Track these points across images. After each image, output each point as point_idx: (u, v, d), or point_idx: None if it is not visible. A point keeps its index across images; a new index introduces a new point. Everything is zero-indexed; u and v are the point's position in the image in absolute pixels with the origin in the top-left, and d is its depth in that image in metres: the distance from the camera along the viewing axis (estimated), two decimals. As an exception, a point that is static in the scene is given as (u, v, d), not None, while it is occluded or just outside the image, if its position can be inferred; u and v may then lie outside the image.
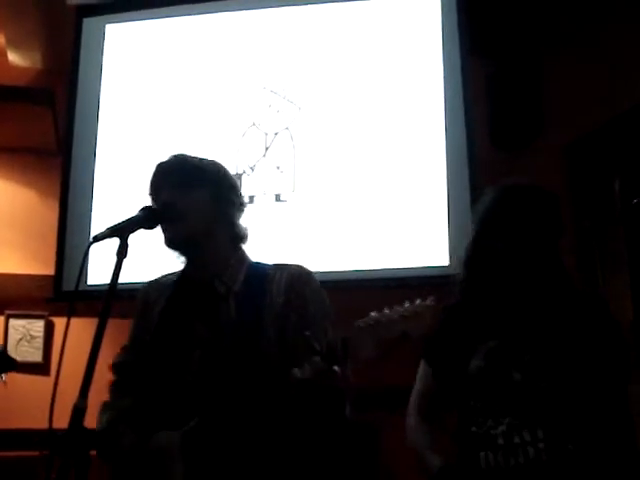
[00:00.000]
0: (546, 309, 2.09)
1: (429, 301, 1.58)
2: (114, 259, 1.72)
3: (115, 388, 2.04)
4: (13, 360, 3.11)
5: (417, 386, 2.27)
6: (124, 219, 1.80)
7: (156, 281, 2.08)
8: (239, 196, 2.04)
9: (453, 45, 3.98)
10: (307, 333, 1.68)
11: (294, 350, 1.81)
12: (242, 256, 2.01)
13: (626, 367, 2.06)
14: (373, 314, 1.59)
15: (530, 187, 2.16)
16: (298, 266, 2.00)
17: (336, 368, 1.62)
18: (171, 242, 1.94)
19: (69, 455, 1.55)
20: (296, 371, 1.63)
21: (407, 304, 1.58)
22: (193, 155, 2.02)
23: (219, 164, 2.05)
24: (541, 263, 2.11)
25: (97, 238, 1.73)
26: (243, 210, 2.04)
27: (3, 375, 3.05)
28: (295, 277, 1.95)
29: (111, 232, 1.74)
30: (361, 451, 3.54)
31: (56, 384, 1.59)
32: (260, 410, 1.73)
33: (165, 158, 2.01)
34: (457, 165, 3.81)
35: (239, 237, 2.02)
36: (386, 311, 1.58)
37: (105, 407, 1.99)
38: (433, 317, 1.58)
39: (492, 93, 4.42)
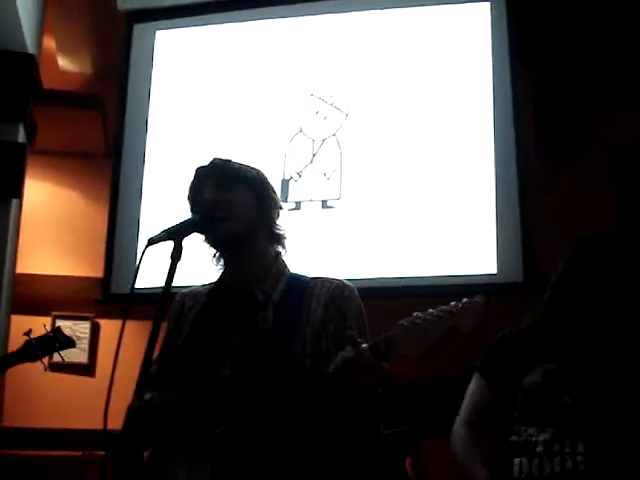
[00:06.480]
0: (613, 350, 2.13)
1: (477, 297, 1.59)
2: (161, 264, 1.70)
3: None
4: (70, 339, 3.14)
5: (469, 399, 2.27)
6: (179, 222, 1.78)
7: (191, 290, 2.04)
8: (277, 197, 2.04)
9: (502, 53, 3.96)
10: (350, 332, 1.70)
11: (328, 360, 1.77)
12: (282, 266, 1.98)
13: None
14: (417, 314, 1.58)
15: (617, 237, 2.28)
16: (340, 281, 1.96)
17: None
18: (219, 241, 1.90)
19: (123, 456, 1.56)
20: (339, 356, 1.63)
21: (453, 303, 1.59)
22: (231, 159, 2.01)
23: (256, 168, 2.04)
24: (622, 312, 2.16)
25: (153, 240, 1.71)
26: (281, 210, 2.03)
27: (62, 353, 3.08)
28: (337, 292, 1.91)
29: (167, 235, 1.72)
30: (399, 464, 3.51)
31: (111, 386, 1.58)
32: (290, 420, 1.71)
33: (204, 163, 2.00)
34: (506, 173, 3.78)
35: (278, 237, 1.99)
36: (430, 310, 1.58)
37: None
38: (483, 312, 1.58)
39: (540, 101, 4.38)
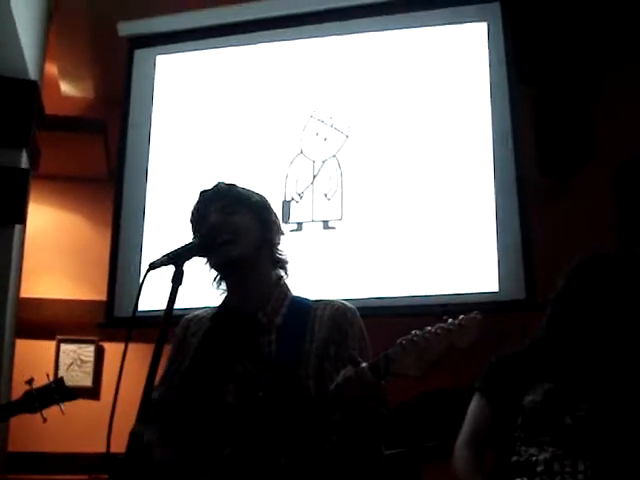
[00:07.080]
0: (613, 369, 2.13)
1: (474, 313, 1.60)
2: (165, 286, 1.70)
3: None
4: (72, 391, 3.09)
5: (470, 419, 2.27)
6: (180, 246, 1.79)
7: (195, 315, 2.06)
8: (280, 222, 2.06)
9: (501, 72, 3.96)
10: (352, 352, 1.70)
11: (331, 381, 1.79)
12: (285, 289, 2.00)
13: None
14: (415, 332, 1.59)
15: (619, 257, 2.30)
16: (342, 303, 1.98)
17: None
18: (223, 264, 1.92)
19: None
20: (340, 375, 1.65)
21: (450, 320, 1.59)
22: (235, 183, 2.04)
23: (260, 193, 2.06)
24: (622, 332, 2.17)
25: (154, 265, 1.71)
26: (283, 235, 2.06)
27: (62, 405, 3.02)
28: (339, 314, 1.93)
29: (167, 259, 1.72)
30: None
31: (113, 409, 1.59)
32: (294, 442, 1.72)
33: (208, 187, 2.03)
34: (506, 190, 3.78)
35: (280, 262, 2.01)
36: (428, 328, 1.59)
37: None
38: (480, 327, 1.58)
39: (540, 119, 4.40)
